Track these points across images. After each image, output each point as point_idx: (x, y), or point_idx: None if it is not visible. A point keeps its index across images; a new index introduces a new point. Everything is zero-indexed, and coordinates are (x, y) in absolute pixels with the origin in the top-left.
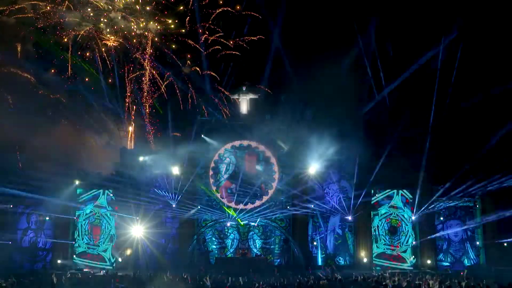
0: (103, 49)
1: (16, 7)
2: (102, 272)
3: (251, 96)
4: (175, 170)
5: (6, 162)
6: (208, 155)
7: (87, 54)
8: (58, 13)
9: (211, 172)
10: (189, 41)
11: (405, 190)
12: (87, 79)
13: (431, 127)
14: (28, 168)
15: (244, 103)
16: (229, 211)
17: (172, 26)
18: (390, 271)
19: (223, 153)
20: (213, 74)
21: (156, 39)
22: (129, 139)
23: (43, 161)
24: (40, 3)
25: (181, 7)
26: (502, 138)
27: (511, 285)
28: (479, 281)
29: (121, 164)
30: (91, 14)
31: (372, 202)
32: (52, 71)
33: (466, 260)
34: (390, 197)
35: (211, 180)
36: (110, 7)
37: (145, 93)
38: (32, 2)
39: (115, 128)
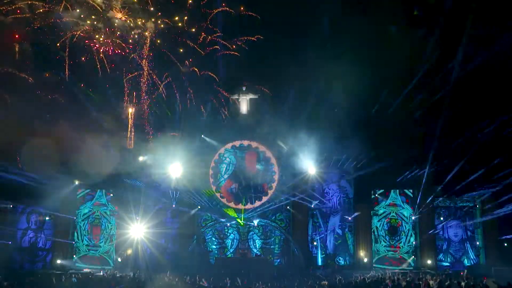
0: (100, 49)
1: (13, 7)
2: (101, 272)
3: (251, 96)
4: (175, 170)
5: (5, 163)
6: (208, 155)
7: (85, 56)
8: (55, 13)
9: (211, 172)
10: (188, 42)
11: (407, 190)
12: (82, 85)
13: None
14: (27, 168)
15: (244, 103)
16: (229, 213)
17: (180, 24)
18: (390, 271)
19: (223, 153)
20: (212, 74)
21: (158, 41)
22: (128, 139)
23: (42, 161)
24: (37, 3)
25: (190, 1)
26: (503, 137)
27: (510, 285)
28: (479, 281)
29: (121, 164)
30: (88, 14)
31: (372, 197)
32: (46, 74)
33: (466, 260)
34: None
35: (211, 180)
36: (108, 6)
37: (143, 93)
38: (29, 2)
39: (115, 128)
